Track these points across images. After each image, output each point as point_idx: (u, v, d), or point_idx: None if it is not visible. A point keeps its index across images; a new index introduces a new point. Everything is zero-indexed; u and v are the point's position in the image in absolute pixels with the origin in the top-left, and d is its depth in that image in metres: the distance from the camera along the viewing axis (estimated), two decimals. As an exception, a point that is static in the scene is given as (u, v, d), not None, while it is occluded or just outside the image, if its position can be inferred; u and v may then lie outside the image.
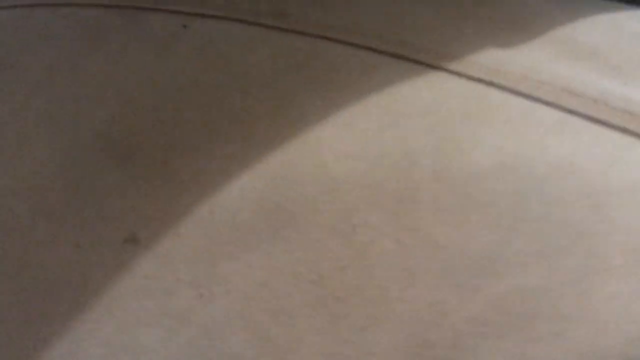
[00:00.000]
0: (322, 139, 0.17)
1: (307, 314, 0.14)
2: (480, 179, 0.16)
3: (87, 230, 0.16)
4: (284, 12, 0.21)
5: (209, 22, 0.20)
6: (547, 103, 0.17)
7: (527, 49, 0.20)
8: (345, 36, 0.20)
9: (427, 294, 0.13)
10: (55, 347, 0.15)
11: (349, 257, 0.14)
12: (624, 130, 0.17)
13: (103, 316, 0.15)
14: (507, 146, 0.16)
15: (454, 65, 0.19)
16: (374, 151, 0.16)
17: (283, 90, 0.18)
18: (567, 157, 0.16)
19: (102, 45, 0.19)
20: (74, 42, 0.19)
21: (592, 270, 0.14)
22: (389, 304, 0.14)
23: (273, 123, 0.17)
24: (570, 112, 0.17)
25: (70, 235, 0.16)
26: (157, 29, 0.19)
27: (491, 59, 0.19)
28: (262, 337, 0.14)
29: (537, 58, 0.20)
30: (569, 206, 0.15)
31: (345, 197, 0.15)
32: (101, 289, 0.15)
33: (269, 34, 0.20)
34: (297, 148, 0.16)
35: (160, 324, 0.14)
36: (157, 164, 0.16)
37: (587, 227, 0.14)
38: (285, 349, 0.14)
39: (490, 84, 0.18)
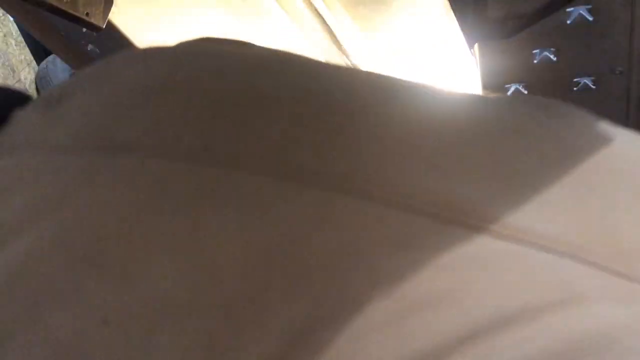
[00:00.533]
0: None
1: (104, 351, 0.23)
2: None
3: (82, 315, 0.24)
4: (209, 146, 0.27)
5: (136, 159, 0.28)
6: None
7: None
8: (249, 165, 0.26)
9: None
10: None
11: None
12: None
13: None
14: None
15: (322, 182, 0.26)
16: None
17: (193, 213, 0.25)
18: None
19: (89, 184, 0.28)
20: (71, 178, 0.29)
21: (347, 311, 0.22)
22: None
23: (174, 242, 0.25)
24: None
25: (72, 319, 0.24)
26: (115, 169, 0.28)
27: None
28: None
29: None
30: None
31: None
32: (90, 353, 0.24)
33: (193, 168, 0.26)
34: (197, 262, 0.24)
35: None
36: (118, 268, 0.25)
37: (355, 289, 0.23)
38: None
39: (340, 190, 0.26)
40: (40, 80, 3.15)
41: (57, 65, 3.16)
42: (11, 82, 2.87)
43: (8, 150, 0.32)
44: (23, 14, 0.87)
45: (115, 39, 0.83)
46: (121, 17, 0.80)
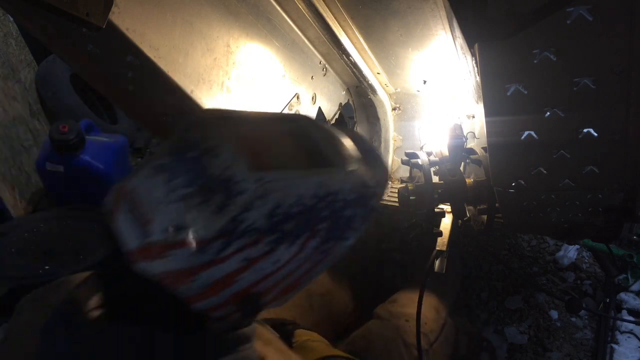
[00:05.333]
0: None
1: None
2: None
3: None
4: None
5: None
6: None
7: None
8: None
9: None
10: None
11: None
12: None
13: None
14: None
15: None
16: None
17: None
18: None
19: None
20: None
21: None
22: None
23: None
24: None
25: None
26: None
27: None
28: None
29: None
30: None
31: None
32: None
33: None
34: None
35: None
36: None
37: None
38: None
39: None
40: (40, 80, 3.14)
41: (57, 65, 3.16)
42: (11, 82, 2.87)
43: None
44: (23, 14, 0.87)
45: (115, 39, 0.83)
46: (121, 17, 0.79)
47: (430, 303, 1.29)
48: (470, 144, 1.68)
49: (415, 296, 1.22)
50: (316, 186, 0.68)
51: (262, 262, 0.65)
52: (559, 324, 1.93)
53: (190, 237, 0.62)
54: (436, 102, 1.85)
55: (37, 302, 0.80)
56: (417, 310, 1.10)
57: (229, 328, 0.73)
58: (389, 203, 1.93)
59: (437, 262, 1.48)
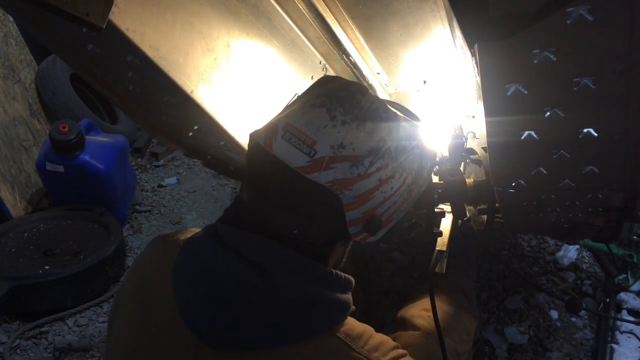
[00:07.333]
0: None
1: None
2: None
3: None
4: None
5: None
6: None
7: None
8: None
9: None
10: None
11: None
12: None
13: None
14: None
15: None
16: None
17: None
18: None
19: None
20: None
21: None
22: None
23: None
24: None
25: None
26: None
27: None
28: None
29: None
30: None
31: None
32: None
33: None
34: None
35: None
36: None
37: None
38: None
39: None
40: (40, 80, 3.14)
41: (57, 65, 3.16)
42: (11, 82, 2.87)
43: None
44: (23, 14, 0.87)
45: (115, 39, 0.83)
46: (121, 17, 0.80)
47: (463, 324, 1.31)
48: (470, 144, 1.68)
49: (443, 306, 1.30)
50: (417, 130, 0.91)
51: (386, 184, 0.84)
52: (559, 324, 1.93)
53: (350, 153, 0.79)
54: (436, 102, 1.85)
55: (167, 239, 0.95)
56: (434, 318, 1.13)
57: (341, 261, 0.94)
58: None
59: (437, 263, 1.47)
